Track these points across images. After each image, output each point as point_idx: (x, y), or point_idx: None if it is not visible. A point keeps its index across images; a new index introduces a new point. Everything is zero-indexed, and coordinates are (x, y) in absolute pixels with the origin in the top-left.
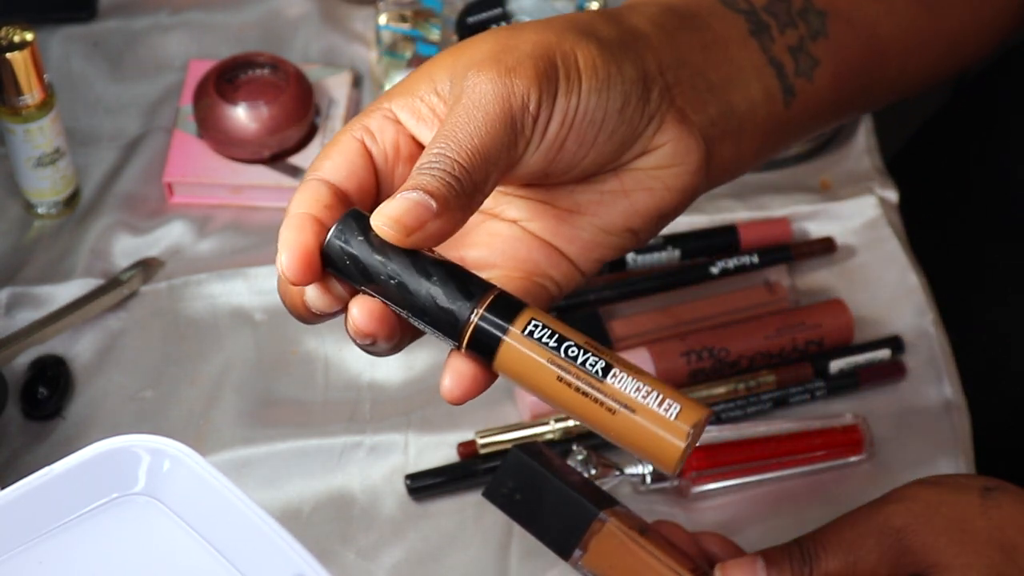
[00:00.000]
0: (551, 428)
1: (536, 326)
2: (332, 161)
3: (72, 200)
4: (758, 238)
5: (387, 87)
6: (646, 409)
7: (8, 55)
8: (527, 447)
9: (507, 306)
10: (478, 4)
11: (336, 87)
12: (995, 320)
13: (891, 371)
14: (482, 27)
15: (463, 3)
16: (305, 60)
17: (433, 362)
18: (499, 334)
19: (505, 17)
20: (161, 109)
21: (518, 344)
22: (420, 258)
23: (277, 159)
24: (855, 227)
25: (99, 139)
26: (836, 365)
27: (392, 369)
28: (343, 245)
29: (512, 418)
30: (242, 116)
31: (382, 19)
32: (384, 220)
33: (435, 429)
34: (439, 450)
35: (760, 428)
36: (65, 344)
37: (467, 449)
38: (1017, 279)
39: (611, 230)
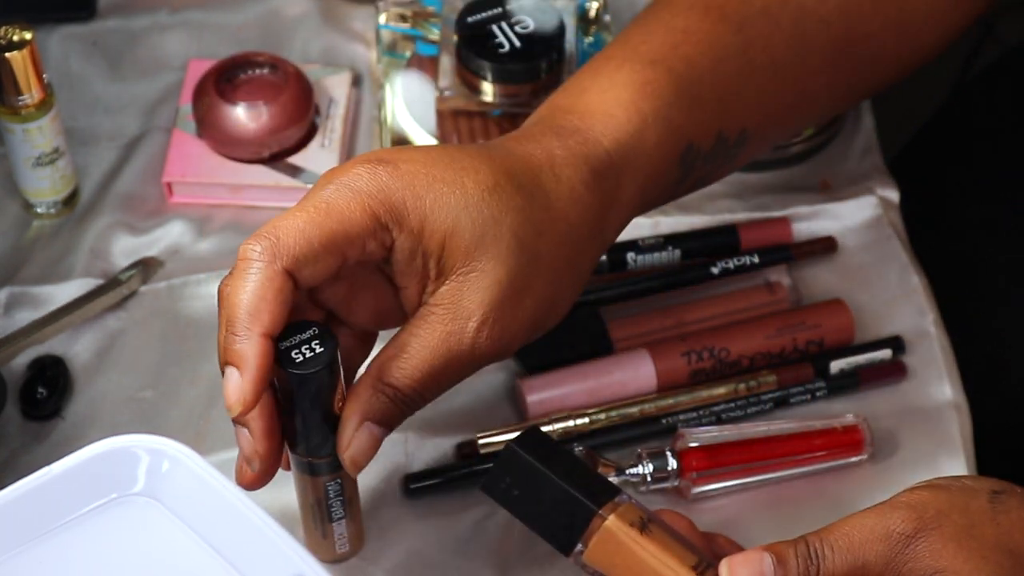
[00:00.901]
0: (551, 429)
1: None
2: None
3: (71, 200)
4: (758, 238)
5: (387, 86)
6: None
7: (7, 55)
8: (525, 438)
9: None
10: (478, 4)
11: (336, 87)
12: (996, 320)
13: (892, 371)
14: (482, 27)
15: (463, 3)
16: (305, 60)
17: None
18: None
19: (505, 17)
20: (160, 109)
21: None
22: None
23: (277, 159)
24: (856, 227)
25: (98, 139)
26: (837, 365)
27: None
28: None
29: (512, 418)
30: (242, 116)
31: (382, 18)
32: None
33: (435, 429)
34: (439, 450)
35: (761, 428)
36: (64, 344)
37: (467, 449)
38: (1018, 279)
39: None
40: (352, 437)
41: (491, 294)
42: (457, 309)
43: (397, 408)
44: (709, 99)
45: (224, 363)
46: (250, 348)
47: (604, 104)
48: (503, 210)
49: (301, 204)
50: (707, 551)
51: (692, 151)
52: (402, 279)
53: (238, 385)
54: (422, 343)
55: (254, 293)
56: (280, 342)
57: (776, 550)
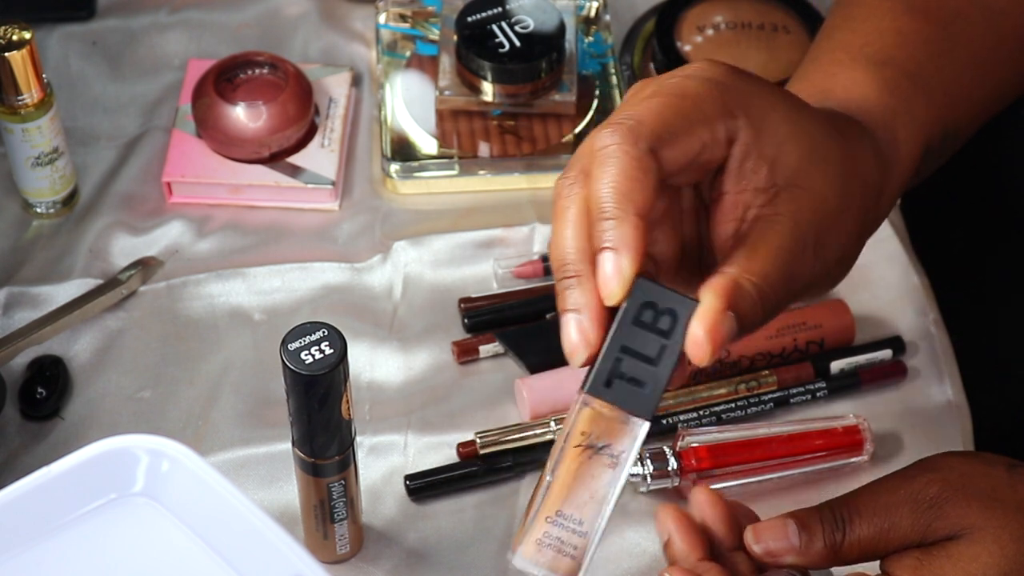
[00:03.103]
0: (552, 429)
1: None
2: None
3: (71, 200)
4: None
5: (387, 86)
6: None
7: (7, 54)
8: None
9: None
10: (478, 4)
11: (336, 86)
12: (996, 320)
13: (892, 371)
14: (482, 27)
15: (463, 3)
16: (304, 59)
17: (432, 362)
18: None
19: (505, 17)
20: (160, 108)
21: None
22: None
23: (276, 159)
24: None
25: (98, 138)
26: (837, 365)
27: (392, 369)
28: None
29: (512, 418)
30: (241, 116)
31: (382, 18)
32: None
33: (435, 429)
34: (439, 450)
35: (761, 429)
36: (63, 344)
37: (467, 449)
38: (1018, 279)
39: None
40: (718, 319)
41: (820, 213)
42: (797, 220)
43: (757, 301)
44: (937, 96)
45: (598, 250)
46: (628, 229)
47: (852, 103)
48: (827, 135)
49: (652, 92)
50: (734, 526)
51: (930, 148)
52: (729, 181)
53: (616, 268)
54: (770, 245)
55: (623, 174)
56: (289, 343)
57: (799, 517)
